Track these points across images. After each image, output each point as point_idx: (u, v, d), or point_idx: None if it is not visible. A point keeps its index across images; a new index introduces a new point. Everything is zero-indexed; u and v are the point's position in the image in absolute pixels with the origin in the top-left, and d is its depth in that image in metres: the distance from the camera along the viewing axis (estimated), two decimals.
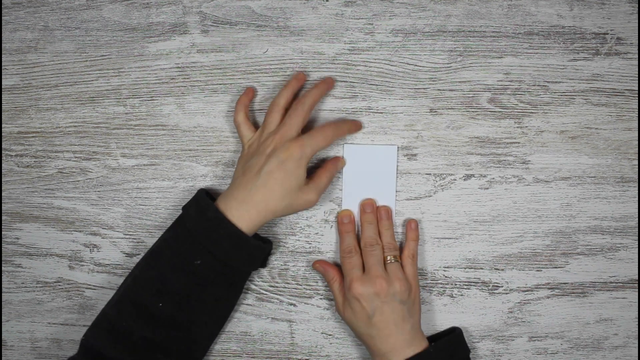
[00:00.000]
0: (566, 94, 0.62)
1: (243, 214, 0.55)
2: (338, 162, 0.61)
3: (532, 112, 0.62)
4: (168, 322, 0.54)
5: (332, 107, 0.63)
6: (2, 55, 0.64)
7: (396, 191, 0.63)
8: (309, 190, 0.57)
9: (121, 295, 0.56)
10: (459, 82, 0.62)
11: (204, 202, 0.56)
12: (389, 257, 0.59)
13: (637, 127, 0.62)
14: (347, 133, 0.61)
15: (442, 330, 0.64)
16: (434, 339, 0.60)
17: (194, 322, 0.55)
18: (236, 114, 0.60)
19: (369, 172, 0.62)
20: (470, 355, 0.61)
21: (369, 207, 0.61)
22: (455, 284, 0.63)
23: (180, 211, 0.58)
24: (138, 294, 0.55)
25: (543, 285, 0.63)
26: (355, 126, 0.61)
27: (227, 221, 0.54)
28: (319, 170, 0.59)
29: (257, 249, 0.56)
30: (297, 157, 0.55)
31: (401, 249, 0.62)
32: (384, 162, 0.62)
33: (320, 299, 0.64)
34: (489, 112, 0.62)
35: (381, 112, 0.62)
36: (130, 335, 0.53)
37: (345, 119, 0.62)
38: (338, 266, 0.62)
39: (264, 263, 0.61)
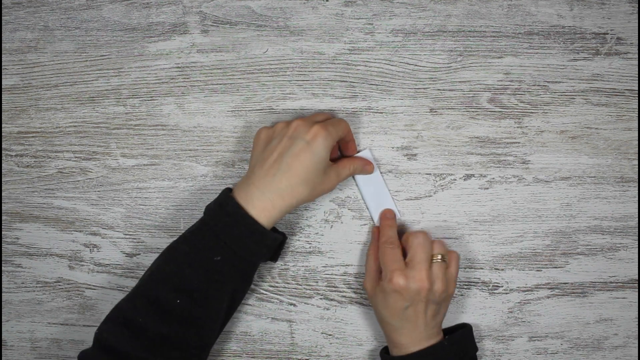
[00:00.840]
0: (566, 94, 0.62)
1: (266, 204, 0.53)
2: (368, 164, 0.61)
3: (532, 112, 0.62)
4: (185, 318, 0.53)
5: (332, 107, 0.63)
6: (2, 55, 0.64)
7: (389, 190, 0.63)
8: (332, 174, 0.56)
9: (137, 289, 0.55)
10: (459, 82, 0.62)
11: (224, 195, 0.55)
12: (439, 255, 0.57)
13: (637, 127, 0.62)
14: (367, 168, 0.61)
15: (451, 326, 0.63)
16: (445, 332, 0.61)
17: (210, 317, 0.54)
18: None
19: (360, 182, 0.63)
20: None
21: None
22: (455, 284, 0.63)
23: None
24: (155, 290, 0.54)
25: (543, 285, 0.63)
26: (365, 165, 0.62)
27: (248, 217, 0.53)
28: (344, 159, 0.60)
29: (275, 242, 0.55)
30: (323, 137, 0.54)
31: None
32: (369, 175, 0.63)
33: (320, 299, 0.64)
34: (489, 112, 0.62)
35: (381, 112, 0.62)
36: (145, 330, 0.52)
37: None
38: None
39: (275, 257, 0.60)
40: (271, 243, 0.55)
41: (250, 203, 0.53)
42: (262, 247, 0.54)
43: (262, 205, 0.53)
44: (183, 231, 0.63)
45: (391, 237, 0.59)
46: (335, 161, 0.59)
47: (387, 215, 0.62)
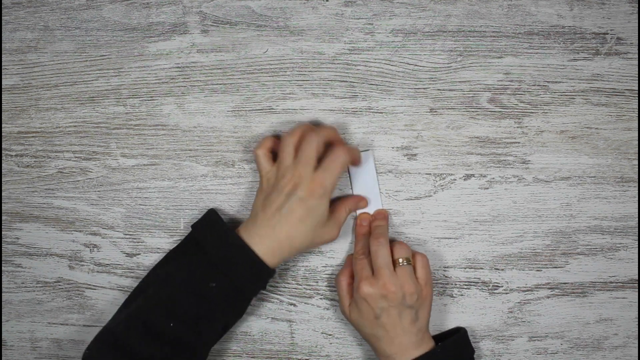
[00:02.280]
0: (566, 94, 0.62)
1: (267, 250, 0.55)
2: (360, 201, 0.62)
3: (532, 112, 0.62)
4: (176, 342, 0.54)
5: (332, 107, 0.63)
6: (2, 55, 0.64)
7: (380, 193, 0.63)
8: (331, 225, 0.57)
9: (131, 313, 0.55)
10: (459, 82, 0.62)
11: (222, 227, 0.56)
12: (400, 260, 0.58)
13: (637, 127, 0.62)
14: (357, 160, 0.60)
15: (445, 330, 0.64)
16: (439, 338, 0.60)
17: (201, 342, 0.55)
18: (259, 146, 0.58)
19: (355, 177, 0.63)
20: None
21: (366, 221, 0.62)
22: (455, 284, 0.63)
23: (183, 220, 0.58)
24: (149, 313, 0.54)
25: (543, 285, 0.63)
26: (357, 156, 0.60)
27: (251, 251, 0.54)
28: (338, 204, 0.59)
29: (271, 275, 0.57)
30: (320, 194, 0.54)
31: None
32: (364, 167, 0.62)
33: (320, 299, 0.64)
34: (489, 112, 0.62)
35: (381, 112, 0.62)
36: (137, 353, 0.53)
37: (349, 147, 0.60)
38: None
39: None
40: (268, 277, 0.56)
41: (253, 246, 0.55)
42: (259, 279, 0.56)
43: (264, 250, 0.55)
44: (183, 231, 0.63)
45: (361, 249, 0.60)
46: (331, 209, 0.58)
47: (362, 223, 0.62)
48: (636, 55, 0.61)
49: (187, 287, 0.55)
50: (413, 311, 0.57)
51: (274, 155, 0.58)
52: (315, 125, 0.61)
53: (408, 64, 0.62)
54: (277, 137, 0.60)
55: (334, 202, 0.60)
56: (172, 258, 0.58)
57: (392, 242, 0.60)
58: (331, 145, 0.58)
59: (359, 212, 0.62)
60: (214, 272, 0.55)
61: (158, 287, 0.56)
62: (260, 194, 0.58)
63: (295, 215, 0.54)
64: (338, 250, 0.63)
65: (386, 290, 0.56)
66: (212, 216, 0.58)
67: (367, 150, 0.62)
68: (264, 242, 0.55)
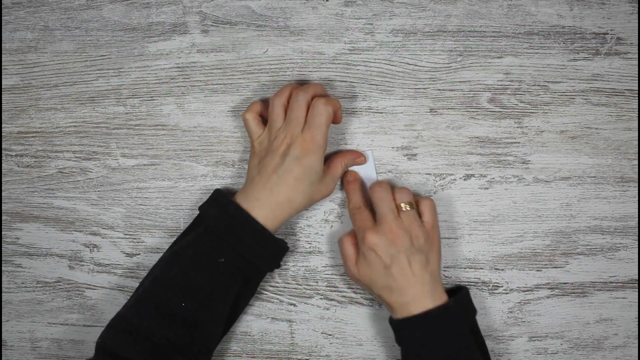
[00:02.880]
0: (566, 94, 0.62)
1: (267, 213, 0.55)
2: (357, 156, 0.61)
3: (532, 112, 0.62)
4: (190, 322, 0.53)
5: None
6: (2, 55, 0.64)
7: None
8: (327, 180, 0.58)
9: (140, 296, 0.55)
10: (459, 82, 0.62)
11: (224, 199, 0.56)
12: (402, 205, 0.56)
13: (637, 127, 0.62)
14: (338, 107, 0.58)
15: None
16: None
17: (214, 321, 0.55)
18: (247, 110, 0.58)
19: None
20: None
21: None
22: (455, 284, 0.63)
23: (187, 212, 0.58)
24: (160, 294, 0.54)
25: (543, 285, 0.63)
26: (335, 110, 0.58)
27: (251, 218, 0.54)
28: (334, 159, 0.60)
29: (280, 247, 0.57)
30: (313, 150, 0.55)
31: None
32: (364, 167, 0.62)
33: (320, 299, 0.64)
34: (489, 112, 0.62)
35: (381, 112, 0.62)
36: (151, 335, 0.52)
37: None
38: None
39: (279, 264, 0.60)
40: (275, 248, 0.56)
41: (252, 210, 0.55)
42: (265, 250, 0.55)
43: (264, 214, 0.55)
44: (183, 231, 0.63)
45: (357, 202, 0.59)
46: (327, 163, 0.59)
47: (349, 178, 0.61)
48: (636, 55, 0.61)
49: (196, 264, 0.54)
50: (423, 255, 0.56)
51: (264, 120, 0.59)
52: (302, 83, 0.61)
53: (408, 64, 0.62)
54: (265, 101, 0.60)
55: (330, 157, 0.60)
56: (179, 239, 0.58)
57: (392, 188, 0.58)
58: None
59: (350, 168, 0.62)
60: (220, 246, 0.54)
61: (166, 268, 0.55)
62: (254, 158, 0.58)
63: (293, 175, 0.55)
64: (338, 251, 0.63)
65: (393, 235, 0.55)
66: (215, 194, 0.58)
67: (367, 150, 0.62)
68: (264, 206, 0.55)
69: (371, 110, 0.63)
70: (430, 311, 0.55)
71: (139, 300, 0.55)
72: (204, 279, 0.54)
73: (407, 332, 0.56)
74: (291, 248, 0.64)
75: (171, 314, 0.53)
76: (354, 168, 0.62)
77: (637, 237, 0.62)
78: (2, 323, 0.66)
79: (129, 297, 0.58)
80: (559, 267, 0.63)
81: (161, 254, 0.63)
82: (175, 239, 0.60)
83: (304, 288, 0.64)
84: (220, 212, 0.55)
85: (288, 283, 0.64)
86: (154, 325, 0.53)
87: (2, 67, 0.64)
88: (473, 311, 0.59)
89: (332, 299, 0.64)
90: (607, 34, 0.61)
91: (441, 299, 0.56)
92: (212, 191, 0.60)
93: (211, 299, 0.54)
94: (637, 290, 0.63)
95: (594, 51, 0.61)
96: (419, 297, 0.55)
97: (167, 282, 0.54)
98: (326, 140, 0.56)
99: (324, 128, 0.55)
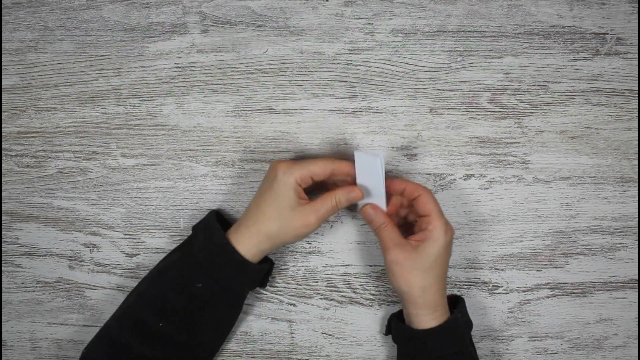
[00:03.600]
0: (566, 94, 0.62)
1: (246, 240, 0.55)
2: (351, 191, 0.56)
3: (532, 112, 0.62)
4: (167, 342, 0.54)
5: (332, 107, 0.63)
6: (2, 55, 0.64)
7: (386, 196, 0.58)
8: (306, 212, 0.54)
9: (124, 310, 0.56)
10: (459, 82, 0.62)
11: (213, 225, 0.56)
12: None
13: (637, 127, 0.62)
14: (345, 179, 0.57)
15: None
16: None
17: (194, 343, 0.55)
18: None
19: (361, 178, 0.57)
20: None
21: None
22: (455, 284, 0.63)
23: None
24: (140, 312, 0.55)
25: (543, 285, 0.63)
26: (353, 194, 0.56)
27: (230, 248, 0.54)
28: (325, 194, 0.56)
29: (258, 272, 0.57)
30: (282, 173, 0.54)
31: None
32: (370, 169, 0.57)
33: (320, 299, 0.64)
34: (489, 112, 0.62)
35: (381, 112, 0.62)
36: (129, 351, 0.53)
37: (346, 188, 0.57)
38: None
39: (263, 283, 0.61)
40: (254, 274, 0.56)
41: (236, 238, 0.55)
42: (243, 277, 0.56)
43: (243, 240, 0.55)
44: (183, 231, 0.63)
45: (393, 239, 0.56)
46: (317, 196, 0.56)
47: (369, 215, 0.57)
48: (636, 55, 0.61)
49: (176, 286, 0.55)
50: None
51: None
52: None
53: (408, 64, 0.62)
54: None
55: (323, 192, 0.57)
56: (170, 253, 0.58)
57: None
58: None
59: (360, 204, 0.58)
60: (199, 272, 0.55)
61: (149, 285, 0.56)
62: None
63: (262, 198, 0.55)
64: (338, 251, 0.63)
65: (451, 231, 0.56)
66: (209, 217, 0.58)
67: (376, 154, 0.56)
68: (246, 233, 0.55)
69: (371, 110, 0.62)
70: (443, 325, 0.55)
71: (122, 315, 0.56)
72: (182, 302, 0.54)
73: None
74: (291, 248, 0.64)
75: (149, 332, 0.54)
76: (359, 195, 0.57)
77: (637, 237, 0.62)
78: (2, 323, 0.66)
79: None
80: (559, 267, 0.63)
81: (161, 255, 0.63)
82: (173, 240, 0.60)
83: (304, 288, 0.64)
84: (206, 239, 0.56)
85: (288, 283, 0.64)
86: (132, 341, 0.54)
87: (2, 67, 0.64)
88: (470, 324, 0.59)
89: (332, 299, 0.64)
90: (607, 34, 0.61)
91: (445, 300, 0.57)
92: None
93: (188, 322, 0.55)
94: (637, 290, 0.63)
95: (594, 51, 0.61)
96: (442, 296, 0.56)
97: (149, 300, 0.55)
98: (304, 178, 0.54)
99: (309, 168, 0.54)
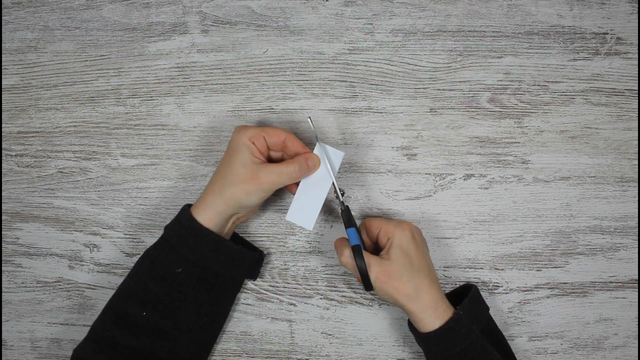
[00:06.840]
0: (566, 93, 0.62)
1: (211, 210, 0.54)
2: (309, 158, 0.56)
3: (532, 112, 0.62)
4: (152, 331, 0.54)
5: (332, 106, 0.63)
6: (2, 55, 0.64)
7: (334, 185, 0.57)
8: (257, 168, 0.53)
9: (106, 305, 0.56)
10: (459, 82, 0.62)
11: (182, 210, 0.56)
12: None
13: (637, 127, 0.62)
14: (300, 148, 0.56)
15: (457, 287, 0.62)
16: (450, 294, 0.59)
17: (179, 330, 0.55)
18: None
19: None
20: None
21: None
22: (455, 284, 0.63)
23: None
24: (121, 304, 0.55)
25: (543, 285, 0.63)
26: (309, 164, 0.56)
27: (199, 225, 0.54)
28: (291, 159, 0.56)
29: (235, 252, 0.56)
30: (237, 132, 0.55)
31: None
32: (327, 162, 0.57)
33: (320, 299, 0.64)
34: (489, 112, 0.62)
35: (381, 112, 0.62)
36: (115, 345, 0.54)
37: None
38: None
39: (254, 274, 0.61)
40: (231, 252, 0.56)
41: (201, 214, 0.55)
42: (219, 254, 0.55)
43: (209, 213, 0.54)
44: None
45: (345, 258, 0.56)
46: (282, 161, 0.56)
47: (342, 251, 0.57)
48: (636, 55, 0.61)
49: (154, 275, 0.55)
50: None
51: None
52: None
53: (408, 64, 0.62)
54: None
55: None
56: (146, 251, 0.58)
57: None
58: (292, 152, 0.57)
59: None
60: (176, 257, 0.55)
61: (128, 278, 0.56)
62: None
63: (222, 161, 0.56)
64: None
65: (409, 224, 0.57)
66: (183, 207, 0.57)
67: (341, 152, 0.57)
68: (210, 205, 0.54)
69: (371, 110, 0.62)
70: (444, 326, 0.54)
71: (104, 311, 0.56)
72: (162, 290, 0.55)
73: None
74: (291, 248, 0.64)
75: (133, 323, 0.54)
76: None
77: (637, 237, 0.62)
78: (2, 323, 0.66)
79: None
80: (559, 267, 0.63)
81: None
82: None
83: (304, 288, 0.64)
84: (175, 222, 0.56)
85: (288, 283, 0.64)
86: (117, 334, 0.54)
87: (2, 67, 0.64)
88: (484, 309, 0.57)
89: (332, 299, 0.64)
90: (607, 34, 0.61)
91: (445, 299, 0.56)
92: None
93: (172, 308, 0.55)
94: (637, 290, 0.63)
95: (594, 51, 0.61)
96: (438, 294, 0.56)
97: (129, 292, 0.55)
98: (258, 140, 0.54)
99: (265, 131, 0.55)
